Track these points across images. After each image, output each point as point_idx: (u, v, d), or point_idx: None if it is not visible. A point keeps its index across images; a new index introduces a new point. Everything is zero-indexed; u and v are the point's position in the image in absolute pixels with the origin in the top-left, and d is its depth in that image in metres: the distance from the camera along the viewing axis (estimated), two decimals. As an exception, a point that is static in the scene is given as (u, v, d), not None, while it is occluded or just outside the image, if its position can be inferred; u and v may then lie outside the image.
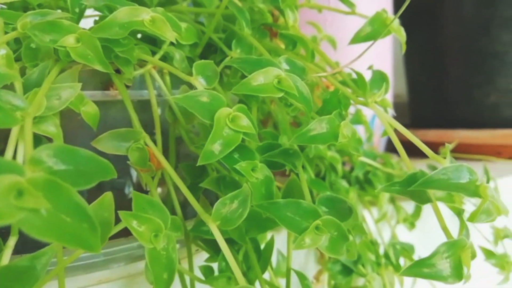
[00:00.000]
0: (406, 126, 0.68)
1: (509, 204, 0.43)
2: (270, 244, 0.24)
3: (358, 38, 0.25)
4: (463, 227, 0.20)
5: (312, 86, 0.28)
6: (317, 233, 0.18)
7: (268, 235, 0.26)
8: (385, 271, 0.33)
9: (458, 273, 0.19)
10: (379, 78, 0.23)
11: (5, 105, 0.14)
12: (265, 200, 0.20)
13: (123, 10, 0.19)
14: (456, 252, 0.19)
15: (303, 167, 0.31)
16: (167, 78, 0.24)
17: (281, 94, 0.19)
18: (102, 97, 0.21)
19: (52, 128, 0.18)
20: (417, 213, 0.38)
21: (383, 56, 0.53)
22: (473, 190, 0.19)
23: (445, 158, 0.20)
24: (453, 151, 0.56)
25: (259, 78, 0.19)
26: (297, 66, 0.22)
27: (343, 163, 0.40)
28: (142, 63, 0.23)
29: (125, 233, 0.21)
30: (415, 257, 0.34)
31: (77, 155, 0.14)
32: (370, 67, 0.24)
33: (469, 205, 0.41)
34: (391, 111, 0.57)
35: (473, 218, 0.19)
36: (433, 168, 0.45)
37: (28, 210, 0.11)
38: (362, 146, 0.46)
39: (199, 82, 0.19)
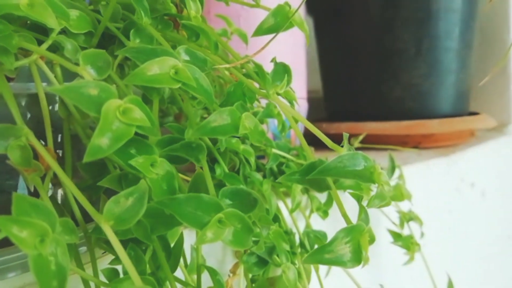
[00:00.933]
0: (323, 120, 0.72)
1: (413, 189, 0.47)
2: (179, 242, 0.24)
3: (261, 30, 0.25)
4: (361, 212, 0.21)
5: (219, 80, 0.27)
6: (219, 227, 0.18)
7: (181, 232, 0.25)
8: (301, 260, 0.34)
9: (357, 257, 0.19)
10: (282, 70, 0.23)
11: None
12: (167, 196, 0.19)
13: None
14: (355, 237, 0.19)
15: (216, 161, 0.30)
16: (58, 69, 0.22)
17: (178, 85, 0.18)
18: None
19: None
20: (329, 202, 0.39)
21: (297, 52, 0.54)
22: (368, 177, 0.19)
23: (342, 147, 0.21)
24: (363, 142, 0.59)
25: (153, 68, 0.18)
26: (198, 57, 0.21)
27: (262, 157, 0.40)
28: (28, 54, 0.21)
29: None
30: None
31: None
32: (273, 60, 0.24)
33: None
34: (302, 104, 0.58)
35: (369, 203, 0.20)
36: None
37: None
38: (278, 139, 0.47)
39: (87, 72, 0.18)
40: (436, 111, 0.66)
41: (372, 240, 0.21)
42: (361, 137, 0.54)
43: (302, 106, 0.58)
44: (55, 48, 0.22)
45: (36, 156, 0.20)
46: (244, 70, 0.24)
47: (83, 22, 0.22)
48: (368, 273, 0.45)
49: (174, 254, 0.23)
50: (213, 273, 0.24)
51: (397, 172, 0.46)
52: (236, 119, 0.19)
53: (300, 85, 0.57)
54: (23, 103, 0.22)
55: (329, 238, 0.36)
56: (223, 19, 0.37)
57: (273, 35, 0.25)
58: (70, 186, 0.17)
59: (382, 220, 0.45)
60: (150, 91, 0.21)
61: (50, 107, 0.23)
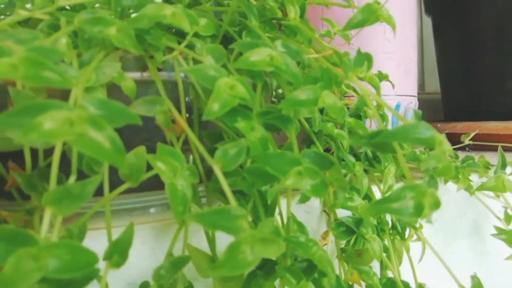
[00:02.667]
0: (439, 121, 0.71)
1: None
2: (274, 200, 0.29)
3: (350, 25, 0.29)
4: (428, 176, 0.24)
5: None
6: (299, 177, 0.23)
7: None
8: (392, 240, 0.36)
9: (418, 212, 0.22)
10: (363, 58, 0.27)
11: (63, 73, 0.21)
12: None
13: (150, 7, 0.25)
14: (418, 195, 0.23)
15: (313, 142, 0.35)
16: (191, 63, 0.29)
17: (271, 69, 0.24)
18: (141, 77, 0.28)
19: (99, 95, 0.24)
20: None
21: (405, 51, 0.56)
22: (430, 143, 0.22)
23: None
24: (482, 140, 0.57)
25: (254, 56, 0.24)
26: (291, 49, 0.27)
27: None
28: (171, 51, 0.30)
29: (160, 186, 0.27)
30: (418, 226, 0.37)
31: (111, 106, 0.19)
32: (358, 49, 0.28)
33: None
34: (413, 102, 0.59)
35: (424, 164, 0.23)
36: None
37: (76, 134, 0.17)
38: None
39: (208, 60, 0.25)
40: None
41: (437, 204, 0.23)
42: (472, 134, 0.53)
43: (412, 103, 0.59)
44: (189, 48, 0.30)
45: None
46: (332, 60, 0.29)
47: (209, 27, 0.30)
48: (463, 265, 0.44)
49: (270, 210, 0.29)
50: (300, 226, 0.29)
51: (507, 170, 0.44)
52: (316, 94, 0.24)
53: (410, 84, 0.58)
54: (169, 87, 0.31)
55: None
56: (327, 21, 0.42)
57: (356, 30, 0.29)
58: (195, 141, 0.24)
59: (488, 215, 0.44)
60: (254, 75, 0.28)
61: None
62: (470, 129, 0.60)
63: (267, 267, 0.28)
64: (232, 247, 0.20)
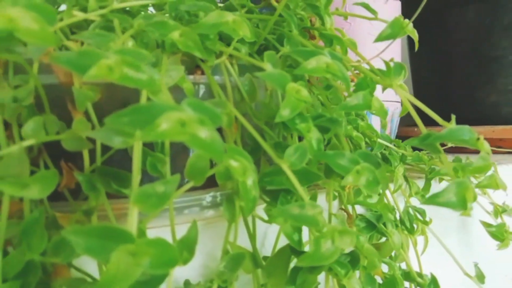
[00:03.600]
0: (413, 125, 0.76)
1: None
2: (315, 195, 0.31)
3: (381, 38, 0.32)
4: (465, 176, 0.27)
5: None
6: (357, 175, 0.25)
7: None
8: (401, 234, 0.39)
9: (463, 204, 0.25)
10: (399, 67, 0.30)
11: (152, 75, 0.21)
12: (318, 153, 0.27)
13: (213, 14, 0.26)
14: (462, 190, 0.25)
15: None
16: (236, 67, 0.31)
17: (329, 75, 0.26)
18: (193, 80, 0.29)
19: (165, 97, 0.25)
20: (427, 187, 0.44)
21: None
22: (472, 143, 0.25)
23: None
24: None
25: (312, 63, 0.26)
26: (336, 57, 0.29)
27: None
28: (218, 56, 0.31)
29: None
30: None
31: (204, 108, 0.21)
32: (391, 59, 0.31)
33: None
34: (397, 107, 0.63)
35: (477, 170, 0.26)
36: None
37: (189, 134, 0.18)
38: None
39: (268, 66, 0.27)
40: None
41: (475, 197, 0.26)
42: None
43: (398, 109, 0.63)
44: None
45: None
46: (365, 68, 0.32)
47: (252, 34, 0.31)
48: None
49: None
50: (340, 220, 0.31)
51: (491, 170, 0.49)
52: (368, 100, 0.27)
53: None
54: (209, 89, 0.32)
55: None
56: (337, 31, 0.45)
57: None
58: (260, 140, 0.25)
59: (477, 210, 0.49)
60: (300, 82, 0.29)
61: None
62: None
63: (312, 261, 0.30)
64: (317, 240, 0.21)
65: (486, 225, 0.47)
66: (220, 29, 0.26)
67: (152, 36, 0.26)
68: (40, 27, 0.18)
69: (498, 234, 0.45)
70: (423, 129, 0.27)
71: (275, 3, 0.36)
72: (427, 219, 0.43)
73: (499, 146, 0.66)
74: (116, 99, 0.29)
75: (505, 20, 0.67)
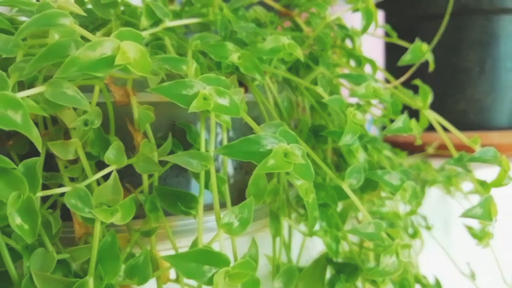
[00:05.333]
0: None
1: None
2: (346, 209, 0.33)
3: (404, 61, 0.35)
4: (488, 190, 0.30)
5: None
6: (404, 192, 0.28)
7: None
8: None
9: (488, 216, 0.28)
10: (427, 91, 0.32)
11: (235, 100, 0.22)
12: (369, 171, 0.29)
13: (270, 39, 0.27)
14: (487, 204, 0.29)
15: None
16: (275, 85, 0.32)
17: (377, 99, 0.28)
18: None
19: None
20: (422, 194, 0.48)
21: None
22: (497, 161, 0.29)
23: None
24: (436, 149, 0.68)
25: (362, 89, 0.28)
26: (374, 79, 0.31)
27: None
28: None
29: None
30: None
31: (288, 135, 0.22)
32: (416, 82, 0.34)
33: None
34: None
35: (499, 182, 0.29)
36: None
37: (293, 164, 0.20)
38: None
39: (320, 89, 0.28)
40: (496, 124, 0.74)
41: (496, 212, 0.30)
42: (435, 144, 0.63)
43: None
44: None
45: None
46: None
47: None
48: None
49: (343, 218, 0.33)
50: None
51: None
52: (407, 123, 0.29)
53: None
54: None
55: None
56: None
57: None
58: (316, 158, 0.27)
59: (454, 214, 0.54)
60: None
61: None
62: (422, 138, 0.71)
63: (348, 270, 0.32)
64: (385, 254, 0.23)
65: (469, 228, 0.51)
66: (278, 53, 0.27)
67: (212, 56, 0.26)
68: (146, 59, 0.19)
69: (478, 235, 0.50)
70: (453, 151, 0.31)
71: (299, 20, 0.38)
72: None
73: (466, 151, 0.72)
74: (165, 117, 0.29)
75: (472, 35, 0.73)
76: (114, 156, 0.22)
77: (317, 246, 0.36)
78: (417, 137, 0.30)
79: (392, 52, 0.81)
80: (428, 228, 0.42)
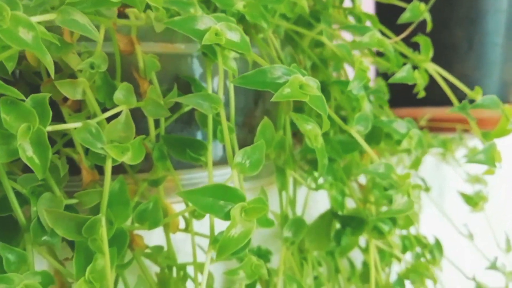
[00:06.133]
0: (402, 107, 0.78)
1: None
2: (351, 162, 0.34)
3: (403, 19, 0.35)
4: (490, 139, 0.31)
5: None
6: (410, 140, 0.28)
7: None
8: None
9: (491, 162, 0.29)
10: (428, 44, 0.33)
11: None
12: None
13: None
14: (490, 151, 0.29)
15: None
16: (278, 41, 0.32)
17: (381, 48, 0.28)
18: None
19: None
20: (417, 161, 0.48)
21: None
22: (497, 106, 0.29)
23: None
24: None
25: (366, 38, 0.28)
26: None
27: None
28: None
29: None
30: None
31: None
32: (417, 38, 0.34)
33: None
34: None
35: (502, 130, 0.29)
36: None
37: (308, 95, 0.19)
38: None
39: (325, 39, 0.28)
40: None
41: (499, 158, 0.30)
42: (426, 117, 0.64)
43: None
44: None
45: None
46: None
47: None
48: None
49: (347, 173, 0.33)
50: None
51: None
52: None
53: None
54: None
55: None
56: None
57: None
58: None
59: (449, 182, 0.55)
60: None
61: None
62: (413, 114, 0.72)
63: (353, 224, 0.32)
64: (397, 193, 0.23)
65: (463, 194, 0.52)
66: (283, 1, 0.27)
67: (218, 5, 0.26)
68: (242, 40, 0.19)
69: (472, 200, 0.51)
70: (454, 101, 0.31)
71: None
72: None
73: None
74: (168, 70, 0.29)
75: (460, 12, 0.74)
76: (123, 96, 0.21)
77: (319, 205, 0.36)
78: (420, 89, 0.31)
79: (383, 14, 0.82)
80: (427, 189, 0.43)
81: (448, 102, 0.73)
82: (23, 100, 0.18)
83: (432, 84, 0.77)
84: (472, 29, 0.72)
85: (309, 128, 0.25)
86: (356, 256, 0.40)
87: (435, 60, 0.76)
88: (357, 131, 0.26)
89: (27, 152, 0.18)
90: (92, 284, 0.20)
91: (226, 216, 0.20)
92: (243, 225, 0.20)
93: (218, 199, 0.20)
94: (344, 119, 0.36)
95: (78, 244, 0.20)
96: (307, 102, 0.19)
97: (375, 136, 0.28)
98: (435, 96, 0.76)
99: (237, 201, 0.20)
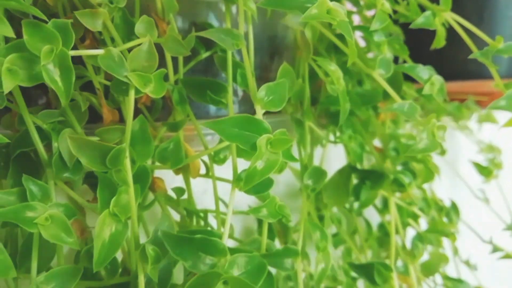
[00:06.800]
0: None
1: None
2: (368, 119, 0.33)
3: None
4: None
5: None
6: (432, 86, 0.27)
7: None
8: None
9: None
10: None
11: None
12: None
13: None
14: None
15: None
16: None
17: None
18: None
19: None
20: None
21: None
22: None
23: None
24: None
25: None
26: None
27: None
28: None
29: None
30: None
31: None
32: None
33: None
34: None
35: None
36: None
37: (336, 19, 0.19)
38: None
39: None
40: (494, 73, 0.74)
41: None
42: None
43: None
44: None
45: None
46: None
47: None
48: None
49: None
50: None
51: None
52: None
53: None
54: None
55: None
56: None
57: None
58: (342, 46, 0.26)
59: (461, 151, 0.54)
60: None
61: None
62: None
63: (373, 177, 0.32)
64: (423, 132, 0.23)
65: (476, 164, 0.52)
66: None
67: None
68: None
69: (485, 170, 0.50)
70: (474, 48, 0.30)
71: None
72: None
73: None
74: (185, 17, 0.28)
75: (469, -15, 0.73)
76: (144, 28, 0.21)
77: (333, 166, 0.35)
78: (440, 38, 0.30)
79: None
80: (443, 152, 0.42)
81: (461, 77, 0.72)
82: (46, 22, 0.18)
83: (440, 58, 0.76)
84: (483, 2, 0.71)
85: (333, 68, 0.25)
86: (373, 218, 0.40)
87: (446, 34, 0.75)
88: (379, 74, 0.26)
89: (51, 73, 0.17)
90: (117, 217, 0.19)
91: (252, 147, 0.19)
92: (268, 157, 0.20)
93: (244, 130, 0.20)
94: (360, 82, 0.35)
95: (102, 178, 0.20)
96: (335, 26, 0.19)
97: (396, 81, 0.28)
98: (443, 71, 0.76)
99: (262, 133, 0.20)
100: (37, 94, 0.25)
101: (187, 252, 0.19)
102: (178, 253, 0.19)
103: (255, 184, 0.21)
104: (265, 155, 0.19)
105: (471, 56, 0.30)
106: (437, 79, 0.27)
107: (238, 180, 0.21)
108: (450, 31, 0.73)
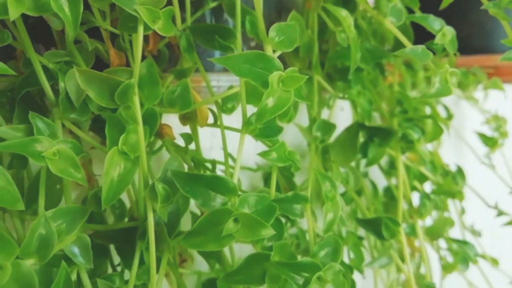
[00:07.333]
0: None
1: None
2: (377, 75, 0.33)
3: None
4: None
5: None
6: (443, 36, 0.27)
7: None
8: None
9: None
10: None
11: None
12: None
13: None
14: None
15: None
16: None
17: None
18: None
19: None
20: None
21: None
22: None
23: None
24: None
25: None
26: None
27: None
28: None
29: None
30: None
31: None
32: None
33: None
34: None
35: None
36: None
37: None
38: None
39: None
40: (500, 48, 0.73)
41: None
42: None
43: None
44: None
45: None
46: None
47: None
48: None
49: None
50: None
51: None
52: None
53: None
54: None
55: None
56: None
57: None
58: None
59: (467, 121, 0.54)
60: None
61: None
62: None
63: (381, 135, 0.31)
64: (434, 77, 0.22)
65: (481, 134, 0.51)
66: None
67: None
68: None
69: (490, 140, 0.50)
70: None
71: None
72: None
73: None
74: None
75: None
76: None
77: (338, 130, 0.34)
78: None
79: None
80: (450, 117, 0.42)
81: (466, 52, 0.72)
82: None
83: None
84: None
85: (344, 14, 0.24)
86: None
87: (449, 8, 0.74)
88: (390, 22, 0.25)
89: (59, 2, 0.17)
90: (126, 155, 0.19)
91: (264, 84, 0.19)
92: (280, 94, 0.19)
93: (255, 66, 0.19)
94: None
95: (110, 117, 0.19)
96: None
97: (406, 32, 0.27)
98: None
99: (273, 71, 0.19)
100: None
101: (197, 190, 0.19)
102: (188, 190, 0.19)
103: (265, 127, 0.21)
104: (277, 93, 0.19)
105: (483, 7, 0.29)
106: (449, 29, 0.27)
107: (248, 124, 0.21)
108: (454, 4, 0.72)
